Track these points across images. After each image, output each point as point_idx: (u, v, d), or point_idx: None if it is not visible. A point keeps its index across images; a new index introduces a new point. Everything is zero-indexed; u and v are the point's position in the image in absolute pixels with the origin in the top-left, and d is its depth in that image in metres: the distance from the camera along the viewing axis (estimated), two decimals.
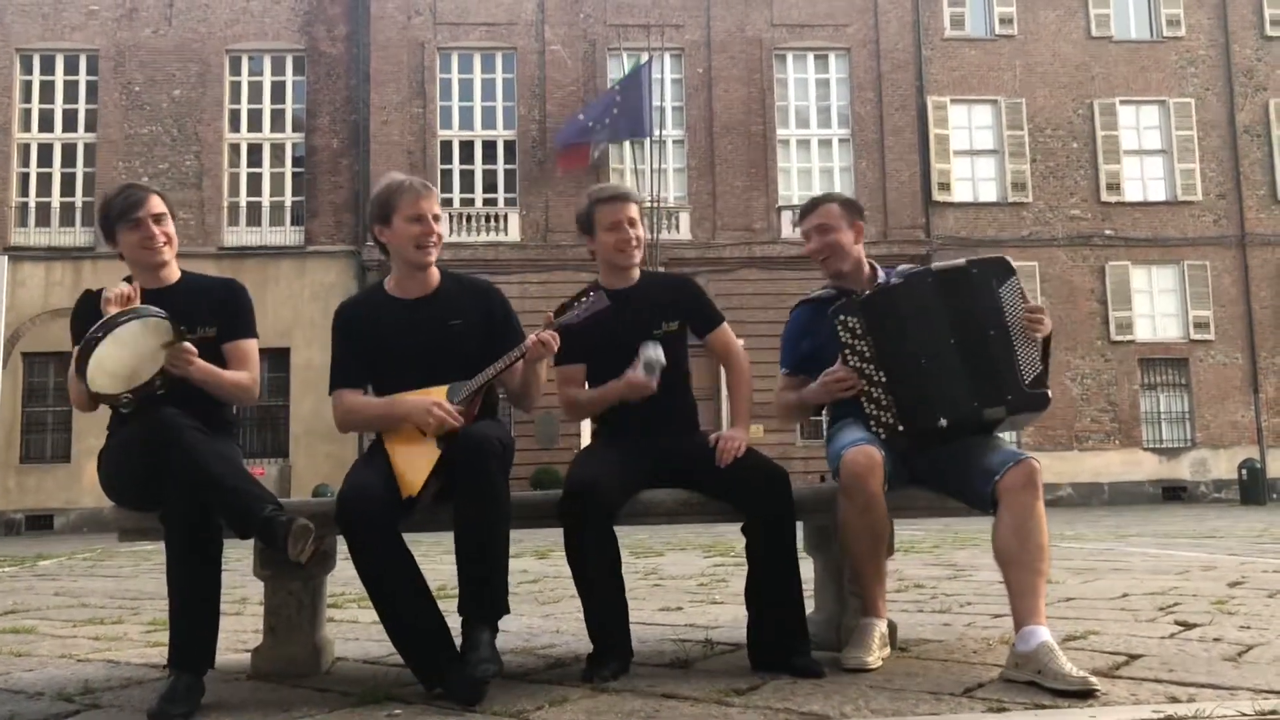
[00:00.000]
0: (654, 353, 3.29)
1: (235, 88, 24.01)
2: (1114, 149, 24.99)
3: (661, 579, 6.54)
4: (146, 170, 23.06)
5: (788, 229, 23.95)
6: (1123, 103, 25.14)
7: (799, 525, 3.33)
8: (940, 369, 3.20)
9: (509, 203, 23.97)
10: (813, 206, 3.63)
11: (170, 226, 3.28)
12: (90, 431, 20.62)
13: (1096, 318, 24.14)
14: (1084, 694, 2.63)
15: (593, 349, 3.41)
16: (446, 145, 24.10)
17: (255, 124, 24.04)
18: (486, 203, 24.09)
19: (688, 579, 6.49)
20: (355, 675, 3.27)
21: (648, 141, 23.20)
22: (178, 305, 3.10)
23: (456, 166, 24.08)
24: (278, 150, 24.05)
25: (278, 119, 24.13)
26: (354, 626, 4.43)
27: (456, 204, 23.68)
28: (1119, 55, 25.28)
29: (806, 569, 3.25)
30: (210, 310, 3.26)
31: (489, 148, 24.27)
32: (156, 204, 3.25)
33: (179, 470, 2.87)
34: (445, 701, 2.77)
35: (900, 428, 3.23)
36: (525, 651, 3.64)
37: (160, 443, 2.90)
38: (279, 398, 22.20)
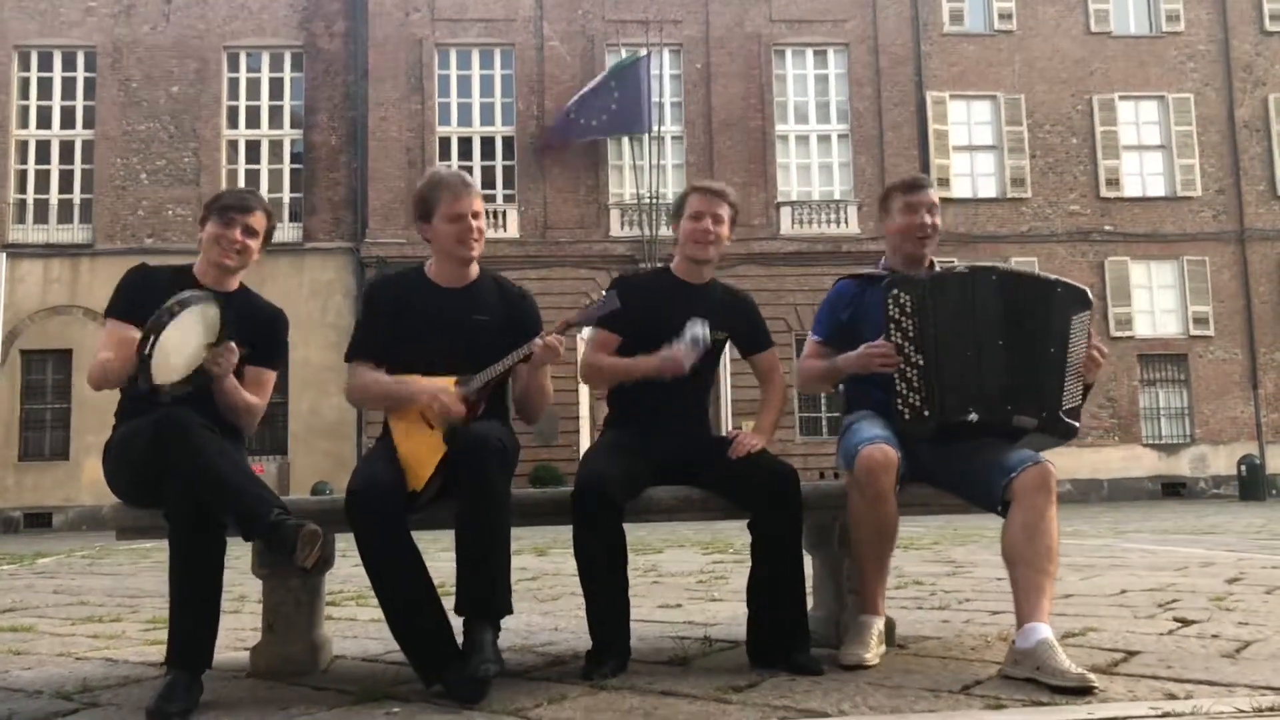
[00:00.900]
0: (701, 330, 3.27)
1: (233, 84, 23.98)
2: (1113, 144, 24.99)
3: (661, 576, 6.54)
4: (144, 167, 23.05)
5: (787, 225, 23.95)
6: (1122, 98, 25.14)
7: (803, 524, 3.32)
8: (982, 365, 3.19)
9: (507, 199, 23.95)
10: (923, 184, 3.58)
11: (256, 245, 3.32)
12: (89, 429, 20.63)
13: (1096, 313, 23.95)
14: (1082, 691, 2.63)
15: (639, 325, 3.40)
16: (445, 141, 24.09)
17: (253, 120, 24.02)
18: (485, 199, 23.96)
19: (687, 576, 6.49)
20: (353, 673, 3.27)
21: (646, 137, 23.20)
22: (224, 313, 3.13)
23: (455, 163, 24.00)
24: (276, 147, 24.03)
25: (276, 115, 24.11)
26: (352, 624, 4.43)
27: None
28: (1118, 50, 25.27)
29: (806, 566, 3.25)
30: (251, 330, 3.29)
31: (487, 144, 24.26)
32: (259, 220, 3.31)
33: (185, 468, 2.87)
34: (444, 699, 2.76)
35: (926, 413, 3.20)
36: (524, 649, 3.64)
37: (168, 439, 2.90)
38: (278, 395, 22.10)
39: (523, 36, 24.27)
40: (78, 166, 23.49)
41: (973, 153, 24.96)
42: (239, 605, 5.10)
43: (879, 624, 3.21)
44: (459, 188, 3.25)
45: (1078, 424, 3.25)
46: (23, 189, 23.37)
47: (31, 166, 23.47)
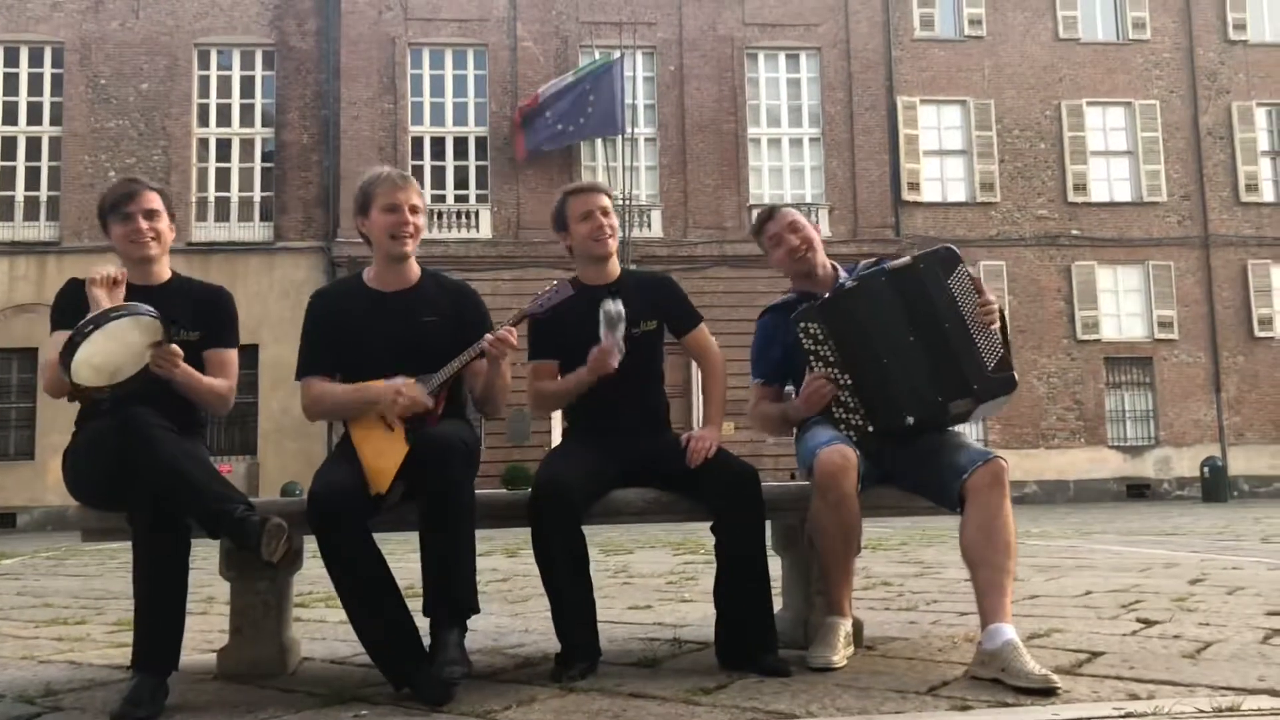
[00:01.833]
0: (612, 305, 3.25)
1: (204, 82, 23.76)
2: (1081, 150, 25.24)
3: (631, 577, 6.55)
4: (113, 165, 22.78)
5: None
6: (1089, 104, 25.40)
7: (767, 524, 3.35)
8: (903, 366, 3.23)
9: (480, 199, 23.88)
10: (772, 212, 3.63)
11: (163, 224, 3.25)
12: (55, 428, 20.35)
13: (1063, 317, 24.38)
14: (1046, 692, 2.67)
15: (568, 345, 3.40)
16: (418, 141, 23.98)
17: (224, 119, 23.81)
18: (458, 199, 24.00)
19: (657, 577, 6.50)
20: (322, 675, 3.26)
21: (619, 139, 23.20)
22: (164, 305, 3.07)
23: (428, 163, 23.95)
24: (247, 145, 23.83)
25: (247, 114, 23.92)
26: (321, 626, 4.41)
27: (427, 200, 23.54)
28: (1086, 57, 25.53)
29: (774, 568, 3.27)
30: (196, 314, 3.25)
31: (460, 144, 24.18)
32: (151, 200, 3.24)
33: (147, 469, 2.85)
34: (412, 702, 2.76)
35: (870, 428, 3.26)
36: (493, 651, 3.64)
37: (129, 441, 2.88)
38: (247, 395, 21.98)
39: (496, 36, 24.21)
40: (45, 164, 23.18)
41: (942, 157, 25.13)
42: (206, 607, 5.07)
43: (846, 625, 3.24)
44: (397, 180, 3.26)
45: (1012, 374, 3.25)
46: None
47: None
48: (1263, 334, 24.98)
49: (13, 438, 22.08)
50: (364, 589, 2.92)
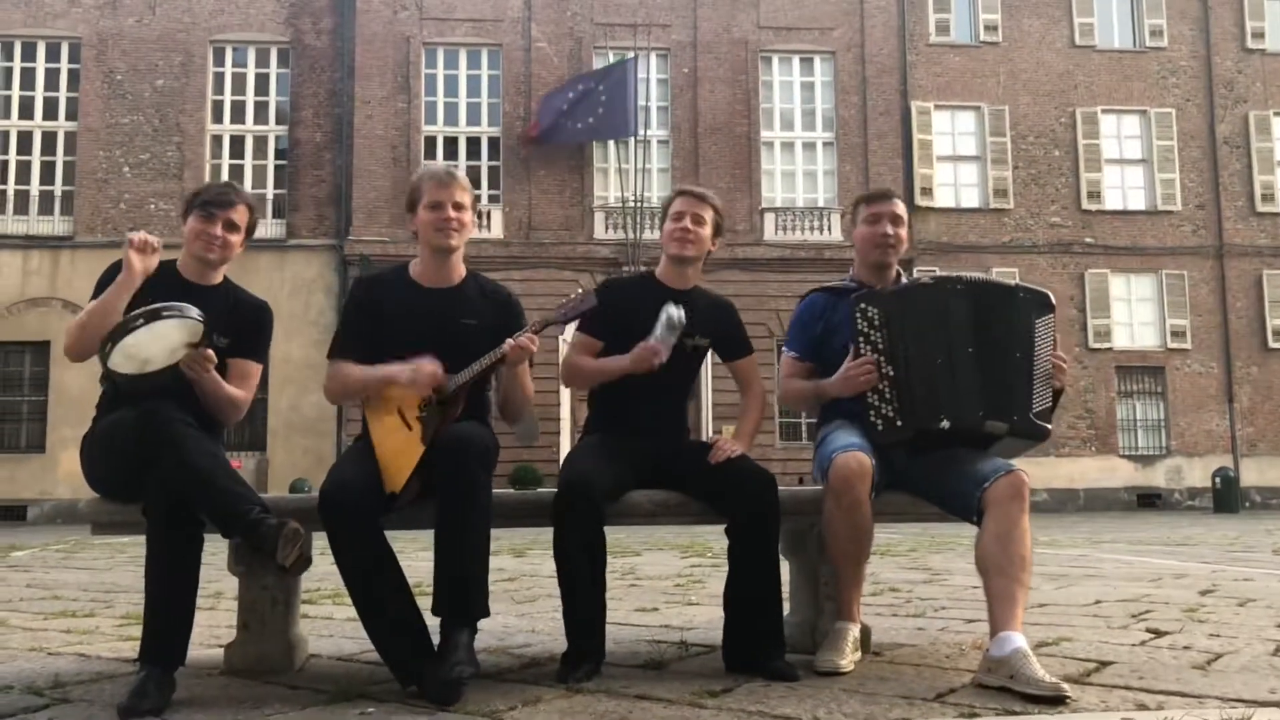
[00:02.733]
0: (676, 311, 3.27)
1: (218, 79, 23.86)
2: (1095, 157, 25.16)
3: (638, 579, 6.54)
4: (127, 160, 22.90)
5: (771, 230, 24.01)
6: (1104, 111, 25.32)
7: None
8: (953, 373, 3.22)
9: (492, 199, 23.91)
10: (888, 195, 3.65)
11: (236, 239, 3.30)
12: (66, 422, 20.46)
13: (1075, 325, 24.30)
14: (1055, 700, 2.65)
15: (620, 330, 3.39)
16: (430, 141, 24.03)
17: (238, 115, 23.90)
18: None
19: (664, 580, 6.50)
20: (329, 672, 3.26)
21: (632, 141, 23.21)
22: (204, 306, 3.12)
23: (440, 162, 23.99)
24: (260, 143, 23.91)
25: (261, 111, 24.00)
26: (328, 623, 4.41)
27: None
28: (1102, 64, 25.45)
29: (782, 572, 3.26)
30: (233, 322, 3.28)
31: (473, 144, 24.22)
32: (239, 214, 3.29)
33: (168, 463, 2.86)
34: (419, 700, 2.76)
35: (899, 423, 3.24)
36: (500, 651, 3.64)
37: (149, 434, 2.89)
38: (258, 391, 21.92)
39: (510, 37, 24.25)
40: (60, 158, 23.30)
41: (956, 163, 25.08)
42: (214, 602, 5.08)
43: (854, 631, 3.23)
44: (443, 176, 3.27)
45: (1049, 426, 3.29)
46: (3, 180, 23.17)
47: (13, 157, 23.27)
48: (1277, 345, 24.86)
49: (24, 431, 22.19)
50: (374, 587, 2.92)
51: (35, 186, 23.18)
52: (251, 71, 24.02)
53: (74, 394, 19.65)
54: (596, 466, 3.20)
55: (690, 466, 3.29)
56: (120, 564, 8.26)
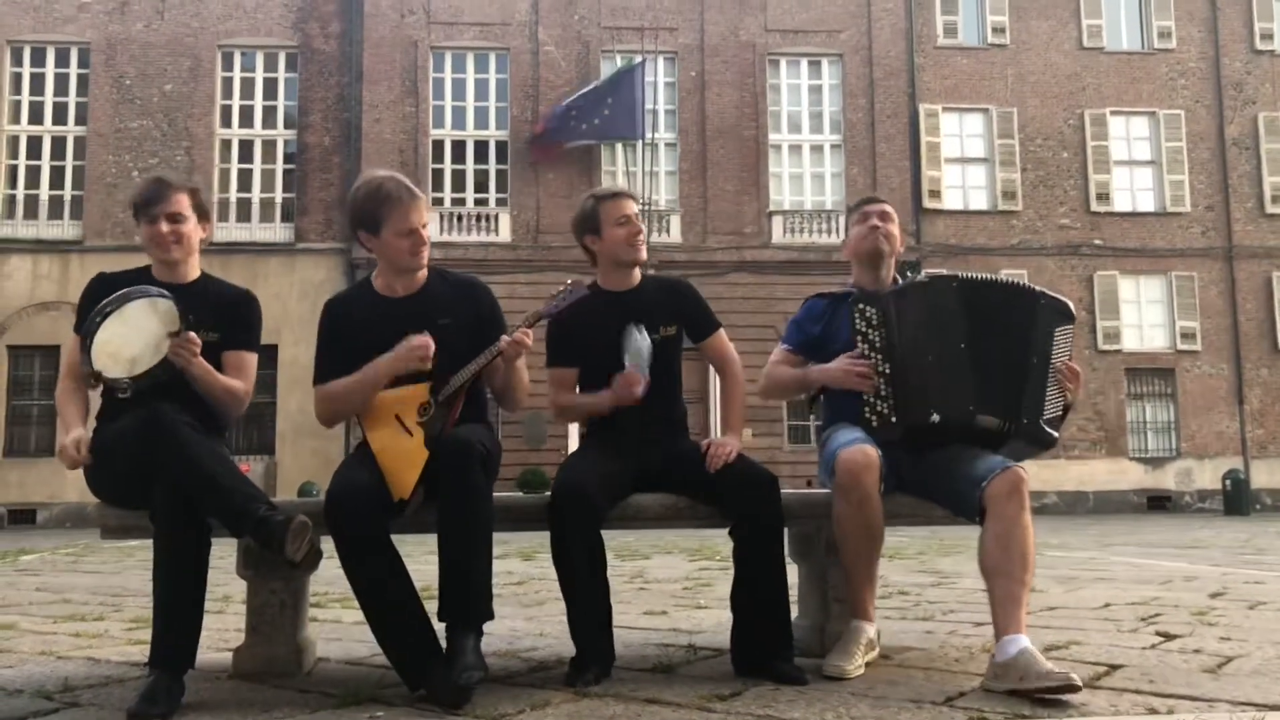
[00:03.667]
0: (639, 336, 3.26)
1: (227, 83, 23.94)
2: (1104, 159, 25.12)
3: (647, 582, 6.54)
4: (136, 164, 22.98)
5: (779, 233, 24.00)
6: (1113, 113, 25.27)
7: (785, 531, 3.33)
8: (944, 368, 3.24)
9: (500, 203, 23.96)
10: (874, 198, 3.73)
11: (188, 226, 3.27)
12: None
13: (1084, 327, 24.25)
14: (1068, 689, 2.64)
15: (586, 351, 3.40)
16: (438, 144, 24.08)
17: (247, 120, 23.99)
18: (478, 202, 24.09)
19: (673, 583, 6.49)
20: (337, 676, 3.26)
21: (639, 144, 23.23)
22: (188, 305, 3.11)
23: (448, 166, 24.06)
24: (269, 147, 23.98)
25: (269, 115, 24.08)
26: (337, 627, 4.41)
27: (447, 203, 23.68)
28: (1110, 66, 25.41)
29: (791, 575, 3.25)
30: (219, 315, 3.26)
31: (481, 147, 24.26)
32: (176, 202, 3.25)
33: (171, 467, 2.86)
34: (428, 704, 2.76)
35: (893, 419, 3.26)
36: (508, 654, 3.63)
37: (153, 438, 2.89)
38: (266, 395, 22.11)
39: (518, 41, 24.29)
40: (69, 163, 23.40)
41: (964, 165, 25.05)
42: (223, 606, 5.09)
43: (869, 631, 3.21)
44: (408, 199, 3.17)
45: (1056, 434, 3.32)
46: (13, 184, 23.29)
47: (22, 162, 23.39)
48: None
49: (34, 434, 22.27)
50: (382, 591, 2.91)
51: (45, 191, 23.29)
52: (260, 76, 24.09)
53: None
54: (591, 469, 3.20)
55: (690, 470, 3.28)
56: (129, 568, 8.28)
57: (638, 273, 3.56)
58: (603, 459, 3.28)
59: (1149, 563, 8.05)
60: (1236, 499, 21.61)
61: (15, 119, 23.49)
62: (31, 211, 23.17)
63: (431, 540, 2.93)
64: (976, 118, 25.10)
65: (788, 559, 3.31)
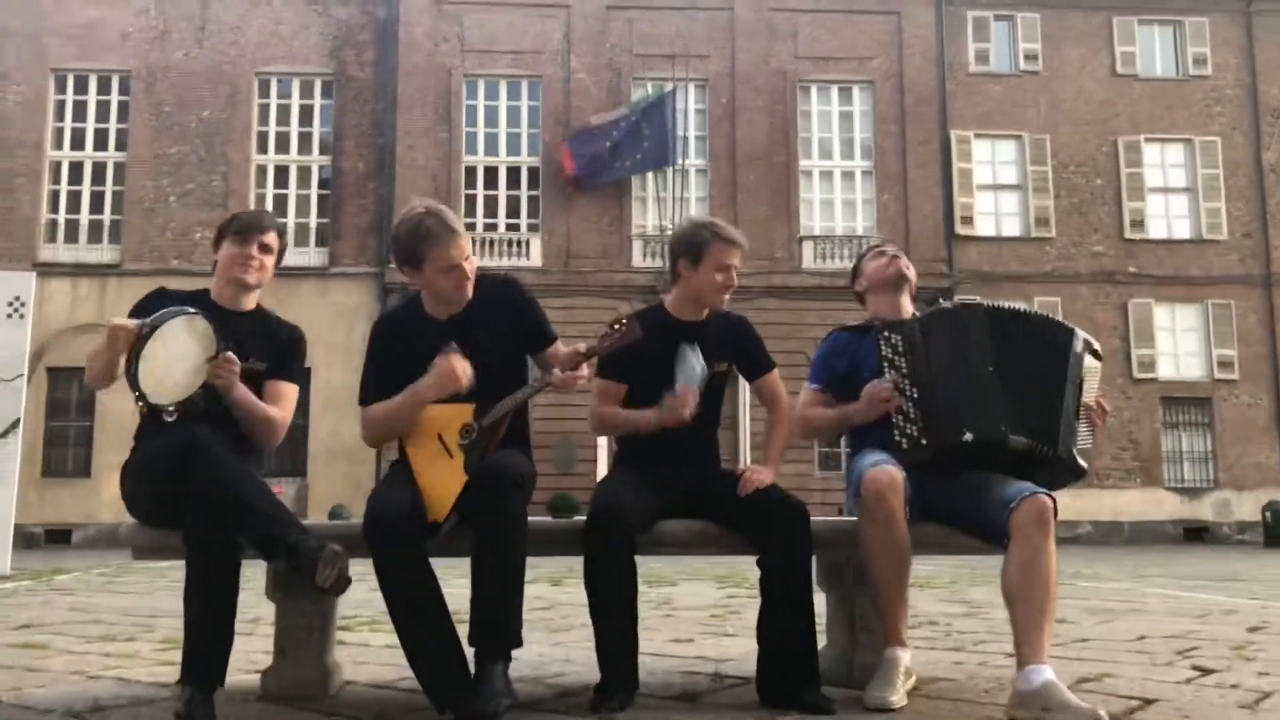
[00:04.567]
0: (694, 359, 3.26)
1: (264, 110, 24.30)
2: (1138, 186, 24.93)
3: (674, 609, 6.51)
4: (174, 190, 23.34)
5: (809, 259, 23.98)
6: (1147, 140, 25.11)
7: (813, 560, 3.31)
8: (974, 390, 3.23)
9: (531, 228, 24.10)
10: (883, 245, 3.90)
11: (272, 262, 3.37)
12: (111, 446, 20.76)
13: (1119, 355, 24.00)
14: None
15: (639, 369, 3.39)
16: (471, 170, 24.29)
17: (283, 146, 24.32)
18: (509, 228, 24.25)
19: (700, 610, 6.45)
20: (364, 699, 3.27)
21: (670, 170, 23.32)
22: (240, 332, 3.18)
23: (480, 191, 24.26)
24: (304, 172, 24.29)
25: (305, 141, 24.40)
26: (364, 650, 4.42)
27: (480, 228, 23.86)
28: (1144, 93, 25.26)
29: (819, 604, 3.23)
30: (269, 347, 3.33)
31: (513, 173, 24.45)
32: (273, 239, 3.36)
33: (208, 489, 2.88)
34: None
35: (924, 441, 3.24)
36: (534, 680, 3.63)
37: (188, 460, 2.92)
38: (299, 417, 22.05)
39: (550, 69, 24.50)
40: (109, 188, 23.81)
41: (997, 192, 24.95)
42: (252, 628, 5.11)
43: (905, 658, 3.16)
44: (447, 238, 3.15)
45: (1086, 465, 3.29)
46: (55, 209, 23.70)
47: (64, 187, 23.81)
48: None
49: (70, 455, 22.54)
50: (417, 611, 2.91)
51: (85, 215, 23.68)
52: (296, 103, 24.43)
53: (119, 419, 19.93)
54: (626, 494, 3.19)
55: (721, 497, 3.27)
56: (161, 589, 8.34)
57: (708, 311, 3.56)
58: (637, 484, 3.28)
59: (1185, 595, 7.92)
60: (1277, 531, 21.22)
61: (58, 145, 23.93)
62: (72, 235, 23.56)
63: (459, 563, 2.94)
64: (1009, 144, 25.01)
65: (815, 587, 3.29)
